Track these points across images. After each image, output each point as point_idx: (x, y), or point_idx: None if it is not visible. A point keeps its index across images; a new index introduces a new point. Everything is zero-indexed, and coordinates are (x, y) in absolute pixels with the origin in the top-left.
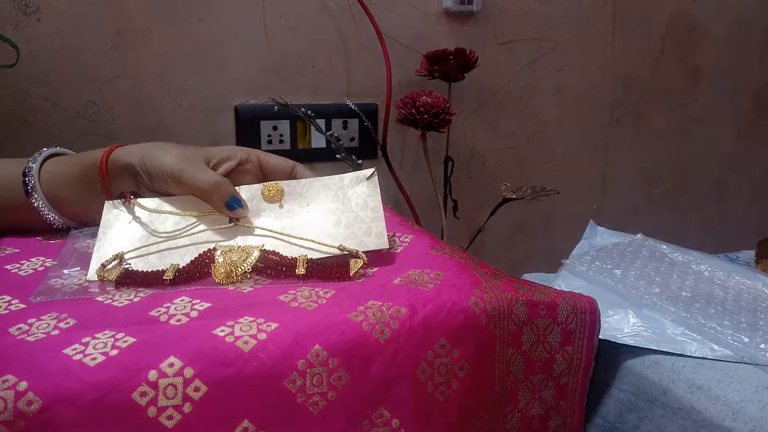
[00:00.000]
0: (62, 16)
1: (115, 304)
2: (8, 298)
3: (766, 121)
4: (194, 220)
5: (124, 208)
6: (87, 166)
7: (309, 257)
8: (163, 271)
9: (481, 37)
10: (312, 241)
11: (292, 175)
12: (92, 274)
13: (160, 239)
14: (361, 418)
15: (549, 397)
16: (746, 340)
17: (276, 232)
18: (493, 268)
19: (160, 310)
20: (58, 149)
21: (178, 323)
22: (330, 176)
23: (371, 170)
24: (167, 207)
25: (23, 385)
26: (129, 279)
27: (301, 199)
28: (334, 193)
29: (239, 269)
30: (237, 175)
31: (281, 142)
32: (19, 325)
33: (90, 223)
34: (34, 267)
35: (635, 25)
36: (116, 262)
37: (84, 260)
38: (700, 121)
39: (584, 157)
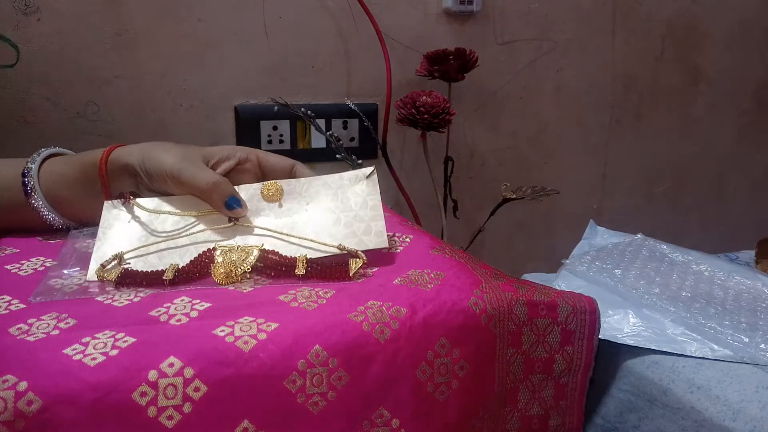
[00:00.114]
0: (62, 16)
1: (115, 304)
2: (8, 298)
3: (766, 121)
4: (193, 219)
5: (123, 208)
6: (86, 166)
7: (308, 257)
8: (163, 271)
9: (481, 37)
10: (311, 240)
11: (291, 174)
12: (92, 274)
13: (160, 239)
14: (361, 418)
15: (548, 396)
16: (746, 340)
17: (275, 232)
18: (493, 268)
19: (160, 310)
20: (57, 149)
21: (178, 323)
22: (329, 175)
23: (371, 168)
24: (166, 207)
25: (23, 385)
26: (128, 279)
27: (301, 198)
28: (333, 192)
29: (239, 269)
30: (236, 174)
31: (281, 142)
32: (19, 325)
33: (89, 223)
34: (34, 267)
35: (635, 25)
36: (115, 262)
37: (84, 260)
38: (700, 121)
39: (584, 157)
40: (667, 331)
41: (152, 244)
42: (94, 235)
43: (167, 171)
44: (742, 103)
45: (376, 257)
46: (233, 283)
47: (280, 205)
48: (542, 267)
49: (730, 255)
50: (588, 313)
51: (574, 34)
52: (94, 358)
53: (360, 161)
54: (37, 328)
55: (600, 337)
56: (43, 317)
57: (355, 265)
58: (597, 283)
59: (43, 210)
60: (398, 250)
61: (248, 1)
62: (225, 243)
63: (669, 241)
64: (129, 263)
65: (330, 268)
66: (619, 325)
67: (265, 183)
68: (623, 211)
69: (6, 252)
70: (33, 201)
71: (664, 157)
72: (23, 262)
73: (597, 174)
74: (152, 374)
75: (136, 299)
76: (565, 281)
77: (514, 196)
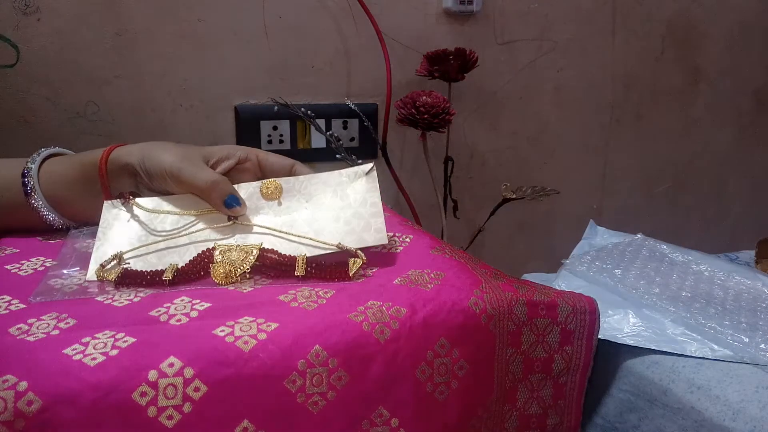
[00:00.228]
0: (62, 16)
1: (115, 304)
2: (8, 298)
3: (766, 121)
4: (193, 219)
5: (123, 208)
6: (86, 166)
7: (308, 255)
8: (163, 271)
9: (481, 37)
10: (311, 239)
11: (291, 174)
12: (91, 274)
13: (159, 238)
14: (360, 418)
15: (547, 396)
16: (746, 340)
17: (275, 230)
18: (493, 268)
19: (160, 310)
20: (57, 149)
21: (178, 323)
22: (328, 172)
23: (370, 165)
24: (166, 206)
25: (23, 385)
26: (128, 279)
27: (300, 196)
28: (332, 190)
29: (239, 269)
30: (236, 173)
31: (281, 142)
32: (19, 325)
33: (89, 223)
34: (34, 267)
35: (635, 25)
36: (115, 262)
37: (84, 260)
38: (700, 121)
39: (584, 157)
40: (667, 331)
41: (152, 243)
42: (93, 235)
43: (167, 170)
44: (742, 103)
45: (376, 257)
46: (233, 283)
47: (280, 203)
48: (542, 267)
49: (730, 255)
50: (588, 313)
51: (574, 34)
52: (94, 358)
53: (360, 161)
54: (37, 328)
55: (600, 337)
56: (43, 317)
57: (354, 265)
58: (597, 283)
59: (43, 210)
60: (398, 250)
61: (248, 1)
62: (224, 242)
63: (669, 241)
64: (129, 263)
65: (330, 269)
66: (619, 325)
67: (264, 181)
68: (623, 211)
69: (6, 252)
70: (33, 201)
71: (664, 157)
72: (23, 262)
73: (597, 174)
74: (152, 374)
75: (136, 299)
76: (565, 281)
77: (514, 196)
